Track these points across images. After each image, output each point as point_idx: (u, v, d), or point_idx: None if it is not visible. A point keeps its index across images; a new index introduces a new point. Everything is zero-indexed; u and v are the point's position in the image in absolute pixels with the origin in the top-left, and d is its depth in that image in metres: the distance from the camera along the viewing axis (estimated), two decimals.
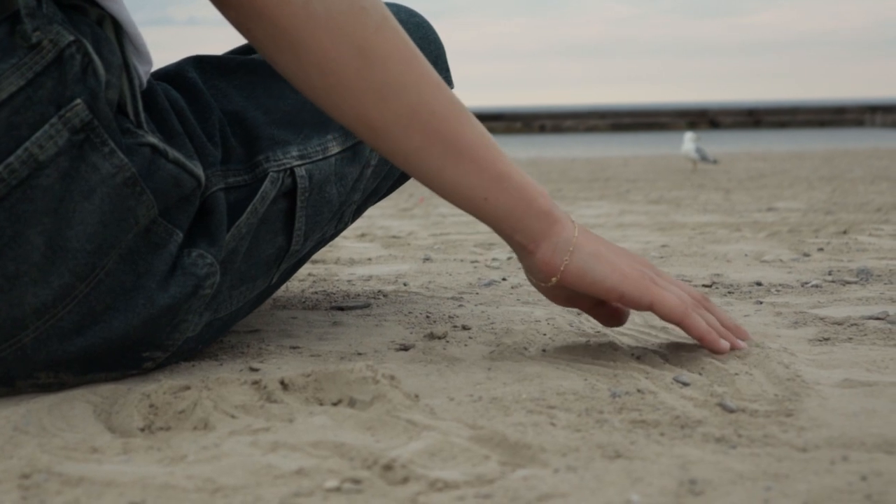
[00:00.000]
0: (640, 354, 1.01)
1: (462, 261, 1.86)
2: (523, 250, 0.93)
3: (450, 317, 1.25)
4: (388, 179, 1.20)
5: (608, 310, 1.00)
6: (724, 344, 0.96)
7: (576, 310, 1.23)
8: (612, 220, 2.84)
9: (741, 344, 0.99)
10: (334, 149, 1.07)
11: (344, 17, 0.85)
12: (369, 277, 1.64)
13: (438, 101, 0.89)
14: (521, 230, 0.92)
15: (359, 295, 1.43)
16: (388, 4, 1.22)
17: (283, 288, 1.49)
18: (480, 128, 0.91)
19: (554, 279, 0.93)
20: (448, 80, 1.24)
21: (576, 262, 0.92)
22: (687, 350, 1.02)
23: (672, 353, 1.01)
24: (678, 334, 1.09)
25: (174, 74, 1.05)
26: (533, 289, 1.45)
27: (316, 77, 0.87)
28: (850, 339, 1.11)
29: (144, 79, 0.96)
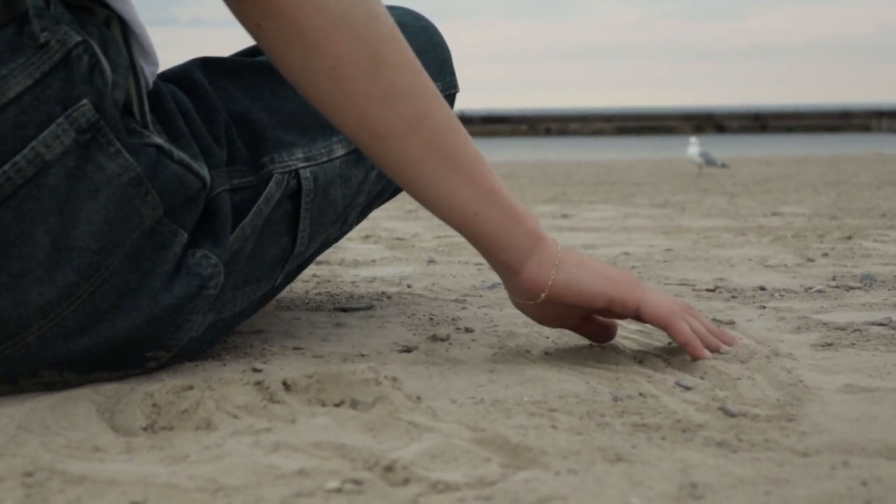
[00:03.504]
0: (643, 358, 1.01)
1: (466, 263, 1.86)
2: (509, 269, 0.94)
3: (453, 319, 1.25)
4: (392, 182, 1.20)
5: (596, 325, 1.01)
6: (707, 353, 0.97)
7: None
8: (617, 223, 2.84)
9: (728, 348, 1.00)
10: (339, 151, 1.08)
11: (360, 23, 0.87)
12: (373, 279, 1.65)
13: (441, 112, 0.90)
14: (508, 248, 0.92)
15: (362, 296, 1.44)
16: (394, 8, 1.22)
17: (286, 289, 1.49)
18: (475, 146, 0.93)
19: (543, 295, 0.93)
20: (454, 83, 1.24)
21: (563, 275, 0.93)
22: (689, 354, 1.03)
23: (674, 357, 1.01)
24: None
25: (181, 76, 1.05)
26: None
27: (325, 80, 0.88)
28: (853, 344, 1.11)
29: (151, 80, 0.96)
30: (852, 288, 1.52)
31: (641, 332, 1.13)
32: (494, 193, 0.91)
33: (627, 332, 1.12)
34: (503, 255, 0.93)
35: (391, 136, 0.89)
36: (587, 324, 1.01)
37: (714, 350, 0.99)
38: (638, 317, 0.96)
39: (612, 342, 1.07)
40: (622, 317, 0.98)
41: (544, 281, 0.93)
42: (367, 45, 0.87)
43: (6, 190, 0.83)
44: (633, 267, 1.80)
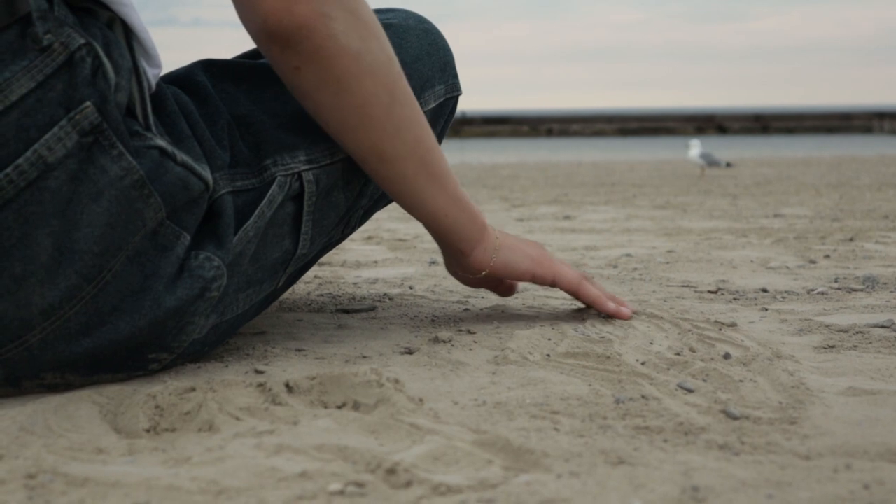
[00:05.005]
0: (645, 360, 1.01)
1: None
2: (461, 253, 1.15)
3: (455, 321, 1.25)
4: None
5: (505, 286, 1.26)
6: (611, 305, 1.21)
7: (562, 312, 1.24)
8: (619, 224, 2.84)
9: (625, 311, 1.20)
10: (341, 153, 1.08)
11: (383, 67, 1.00)
12: (375, 280, 1.65)
13: (428, 134, 1.06)
14: (464, 240, 1.14)
15: (364, 298, 1.44)
16: (397, 11, 1.23)
17: (289, 290, 1.49)
18: (445, 156, 1.11)
19: (484, 272, 1.17)
20: (456, 86, 1.24)
21: (500, 258, 1.17)
22: (691, 356, 1.03)
23: (677, 359, 1.01)
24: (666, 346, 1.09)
25: (183, 78, 1.05)
26: (538, 293, 1.46)
27: (351, 116, 1.00)
28: (855, 346, 1.11)
29: (153, 82, 0.96)
30: (854, 290, 1.52)
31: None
32: (458, 198, 1.11)
33: (629, 334, 1.12)
34: (460, 244, 1.14)
35: (396, 160, 1.04)
36: (499, 286, 1.25)
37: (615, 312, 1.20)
38: (554, 285, 1.21)
39: (614, 344, 1.07)
40: (542, 285, 1.22)
41: (486, 263, 1.16)
42: (387, 87, 1.00)
43: (9, 192, 0.83)
44: (635, 269, 1.80)
